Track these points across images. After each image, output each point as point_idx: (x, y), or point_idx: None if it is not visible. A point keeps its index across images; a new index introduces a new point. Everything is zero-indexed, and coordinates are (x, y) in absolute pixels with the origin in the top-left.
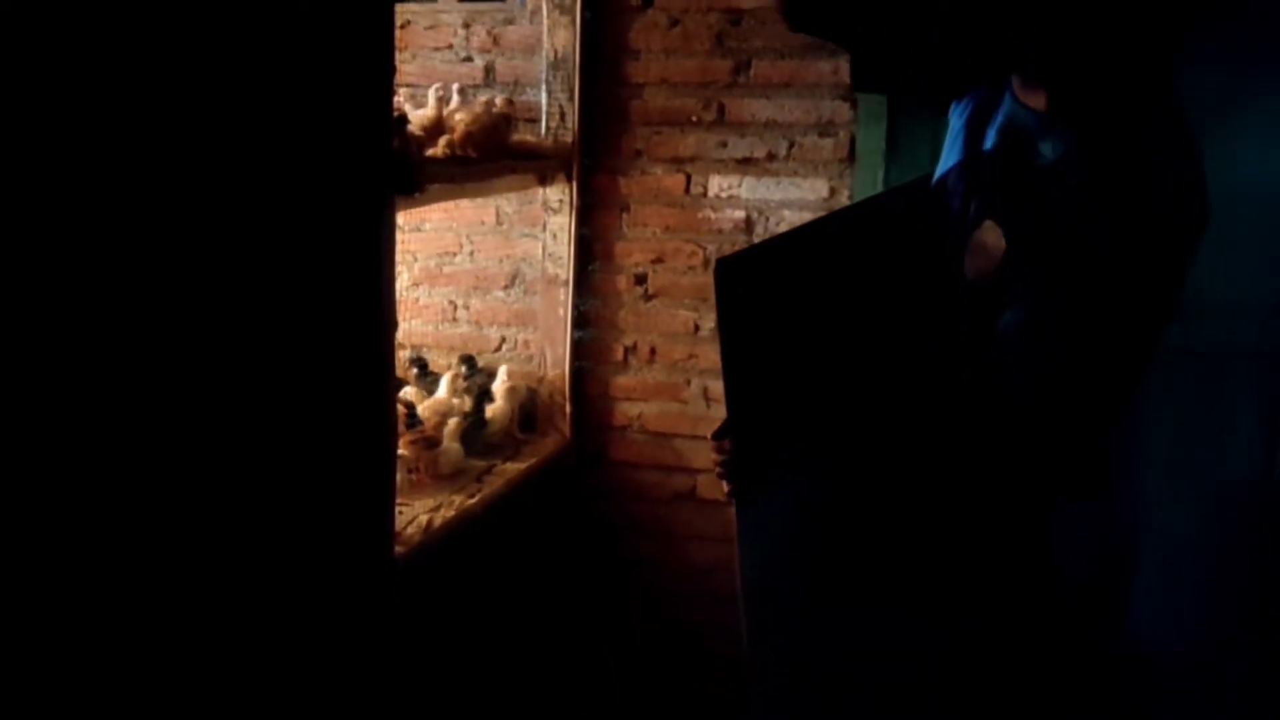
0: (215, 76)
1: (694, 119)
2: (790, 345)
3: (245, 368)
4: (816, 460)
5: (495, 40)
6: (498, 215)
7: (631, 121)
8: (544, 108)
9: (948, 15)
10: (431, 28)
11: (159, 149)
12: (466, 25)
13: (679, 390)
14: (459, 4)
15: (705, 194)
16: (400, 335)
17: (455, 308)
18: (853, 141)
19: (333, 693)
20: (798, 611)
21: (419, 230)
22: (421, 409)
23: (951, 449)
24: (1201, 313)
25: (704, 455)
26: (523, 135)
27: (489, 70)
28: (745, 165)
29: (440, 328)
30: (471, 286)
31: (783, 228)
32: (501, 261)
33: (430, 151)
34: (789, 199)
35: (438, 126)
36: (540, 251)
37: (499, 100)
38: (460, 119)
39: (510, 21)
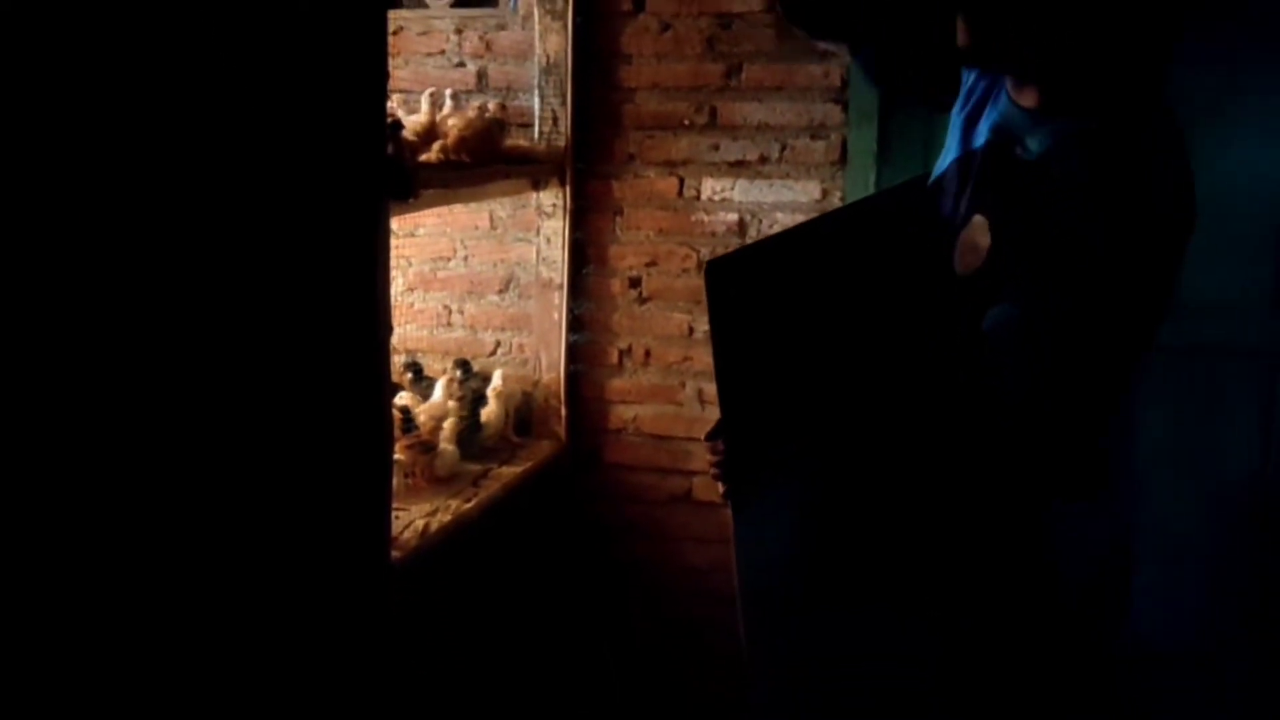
0: (211, 84)
1: (686, 122)
2: (783, 346)
3: (241, 374)
4: (810, 460)
5: (488, 46)
6: (492, 220)
7: (624, 125)
8: (537, 112)
9: (946, 13)
10: (424, 34)
11: (155, 154)
12: (459, 31)
13: (674, 392)
14: (451, 10)
15: (698, 197)
16: (395, 340)
17: (450, 312)
18: (844, 144)
19: (331, 698)
20: (794, 612)
21: (413, 235)
22: (417, 414)
23: (946, 449)
24: (1199, 312)
25: (699, 457)
26: (516, 140)
27: (482, 75)
28: (738, 168)
29: (435, 332)
30: (466, 291)
31: (776, 230)
32: (496, 266)
33: (424, 157)
34: (782, 201)
35: (431, 132)
36: (534, 255)
37: (492, 105)
38: (453, 124)
39: (502, 27)
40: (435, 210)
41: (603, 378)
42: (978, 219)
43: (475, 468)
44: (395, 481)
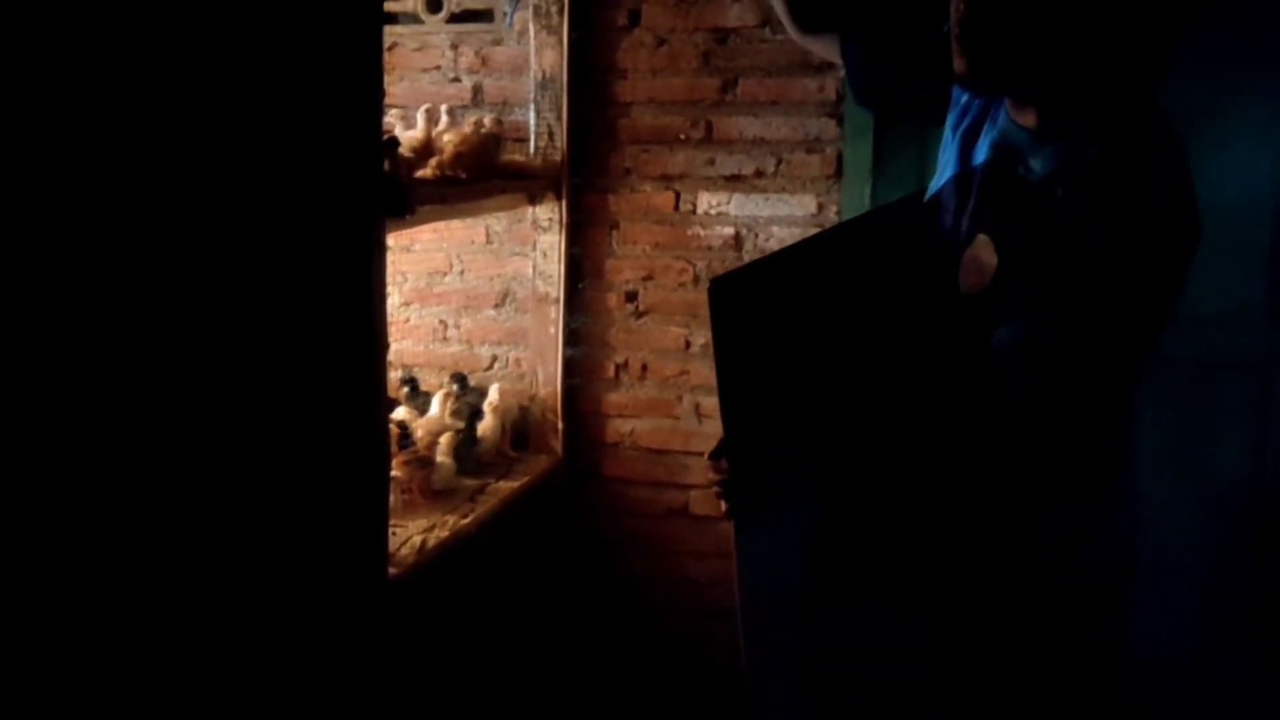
0: (207, 101)
1: (682, 137)
2: (786, 363)
3: (238, 390)
4: (813, 465)
5: (483, 61)
6: (488, 234)
7: (620, 140)
8: (532, 127)
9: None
10: (419, 49)
11: (151, 169)
12: (454, 46)
13: (671, 406)
14: (446, 25)
15: (694, 211)
16: (391, 355)
17: (446, 327)
18: (839, 158)
19: (328, 715)
20: (796, 610)
21: (409, 250)
22: (414, 428)
23: (947, 449)
24: (1197, 322)
25: (696, 471)
26: (512, 155)
27: (477, 91)
28: (733, 182)
29: (431, 347)
30: (462, 305)
31: (772, 244)
32: (492, 280)
33: (420, 173)
34: (777, 215)
35: (427, 147)
36: (530, 270)
37: (487, 120)
38: (449, 140)
39: (498, 42)
40: (431, 225)
41: (599, 392)
42: (982, 238)
43: (472, 482)
44: (392, 498)
